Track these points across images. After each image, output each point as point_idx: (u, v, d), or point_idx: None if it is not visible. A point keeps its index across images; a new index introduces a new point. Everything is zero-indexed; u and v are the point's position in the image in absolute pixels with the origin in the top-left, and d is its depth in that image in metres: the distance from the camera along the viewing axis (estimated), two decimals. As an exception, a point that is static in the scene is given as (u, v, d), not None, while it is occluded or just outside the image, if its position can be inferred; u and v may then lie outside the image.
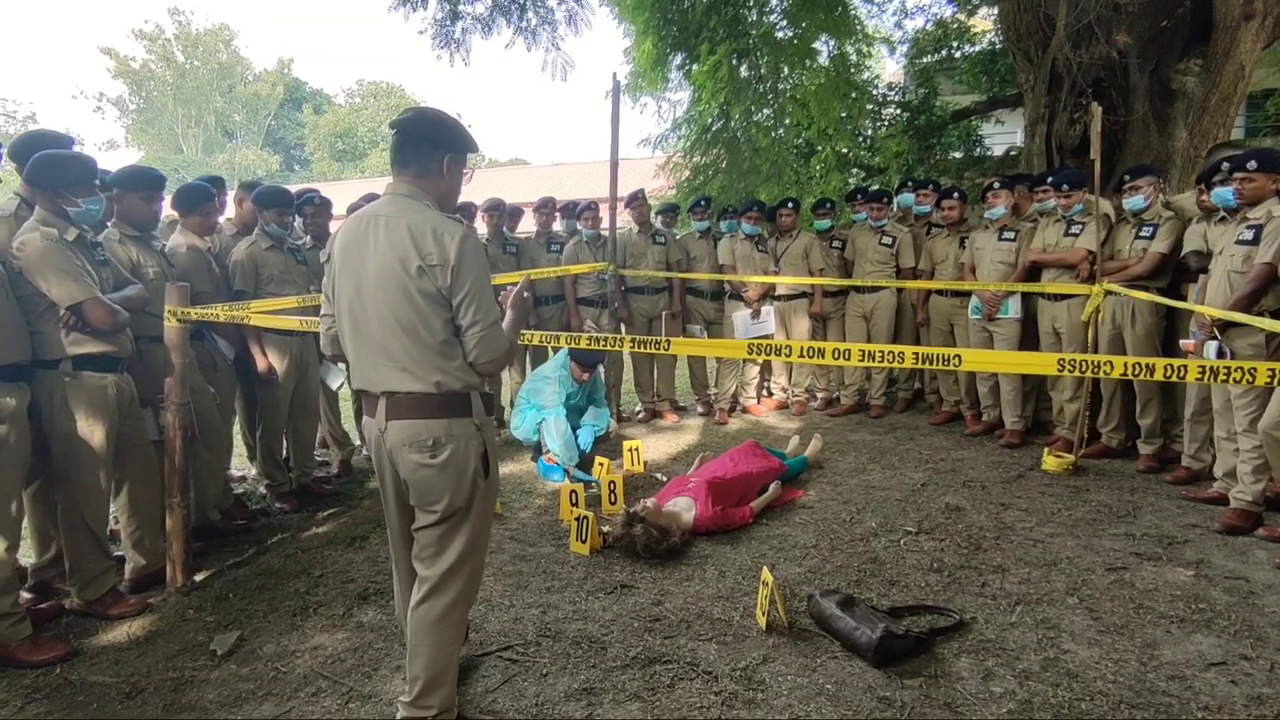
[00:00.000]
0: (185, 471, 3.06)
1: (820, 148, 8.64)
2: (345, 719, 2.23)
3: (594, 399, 5.00)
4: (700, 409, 5.89)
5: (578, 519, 3.35)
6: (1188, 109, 5.35)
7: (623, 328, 5.49)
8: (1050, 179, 4.65)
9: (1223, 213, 3.70)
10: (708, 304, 5.72)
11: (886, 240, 5.42)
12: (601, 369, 5.14)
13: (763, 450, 4.11)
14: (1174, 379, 2.35)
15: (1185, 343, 3.60)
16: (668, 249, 5.61)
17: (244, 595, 3.02)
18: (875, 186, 6.94)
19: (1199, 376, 2.40)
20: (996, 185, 4.88)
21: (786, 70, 7.51)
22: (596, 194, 8.04)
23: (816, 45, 7.41)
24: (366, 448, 2.95)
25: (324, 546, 3.50)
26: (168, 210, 3.81)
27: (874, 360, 2.70)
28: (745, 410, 5.89)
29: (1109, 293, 3.96)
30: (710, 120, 8.14)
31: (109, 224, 3.24)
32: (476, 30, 7.24)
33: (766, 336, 5.35)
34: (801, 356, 2.80)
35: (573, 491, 3.71)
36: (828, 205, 5.81)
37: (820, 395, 6.07)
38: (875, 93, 9.10)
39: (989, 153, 8.99)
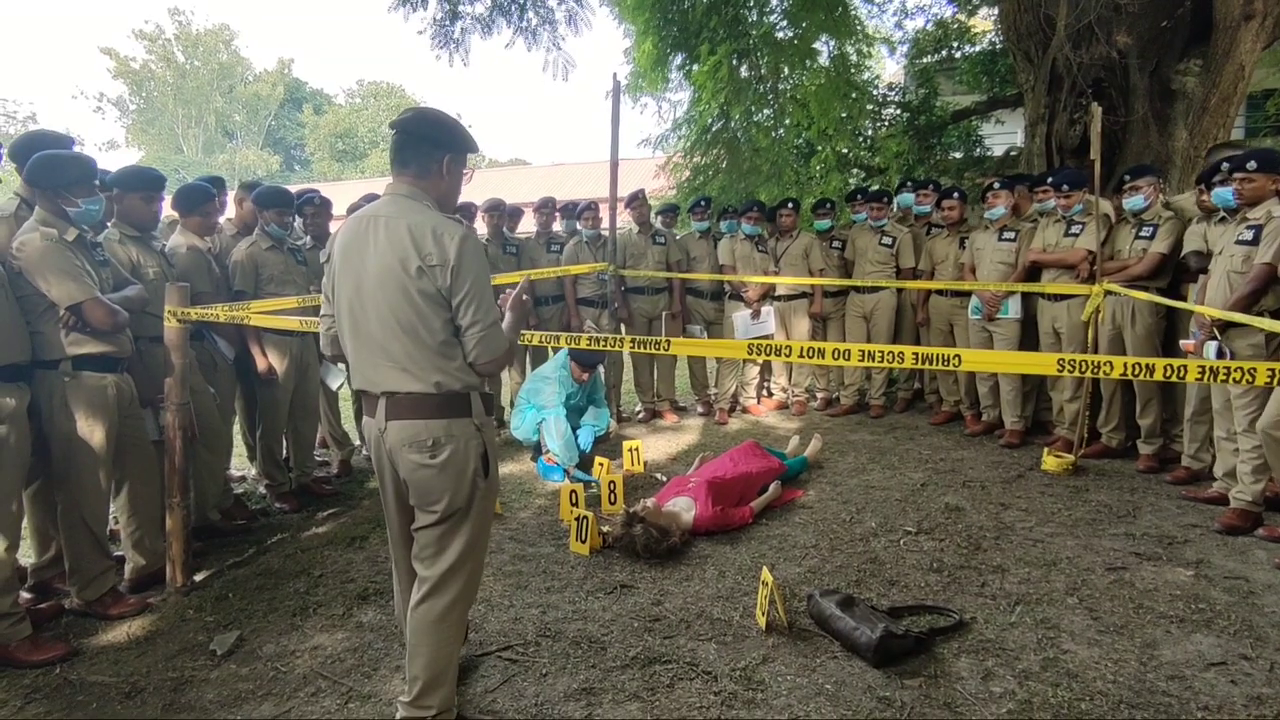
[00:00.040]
0: (185, 471, 3.06)
1: (820, 148, 8.65)
2: (345, 719, 2.23)
3: (594, 399, 5.00)
4: (700, 409, 5.90)
5: (577, 519, 3.35)
6: (1188, 109, 5.35)
7: (623, 328, 5.49)
8: (1050, 179, 4.64)
9: (1222, 213, 3.70)
10: (708, 304, 5.72)
11: (886, 240, 5.42)
12: (601, 369, 5.14)
13: (762, 450, 4.11)
14: (1174, 379, 2.35)
15: (1185, 343, 3.60)
16: (668, 249, 5.61)
17: (244, 595, 3.02)
18: (875, 186, 6.94)
19: (1199, 376, 2.40)
20: (996, 185, 4.88)
21: (786, 70, 7.52)
22: (596, 194, 8.05)
23: (816, 45, 7.42)
24: (366, 448, 2.95)
25: (324, 546, 3.50)
26: (168, 210, 3.81)
27: (874, 360, 2.70)
28: (745, 410, 5.89)
29: (1109, 293, 3.96)
30: (710, 120, 8.15)
31: (109, 224, 3.24)
32: (476, 30, 7.25)
33: (766, 337, 5.35)
34: (801, 357, 2.80)
35: (572, 491, 3.71)
36: (828, 205, 5.82)
37: (820, 395, 6.07)
38: (875, 93, 9.11)
39: (989, 153, 9.00)
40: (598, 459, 4.29)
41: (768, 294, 5.57)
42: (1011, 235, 4.77)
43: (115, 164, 5.02)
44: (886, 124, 9.06)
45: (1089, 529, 3.44)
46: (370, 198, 3.70)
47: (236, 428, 4.24)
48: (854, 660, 2.41)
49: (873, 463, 4.52)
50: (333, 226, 3.68)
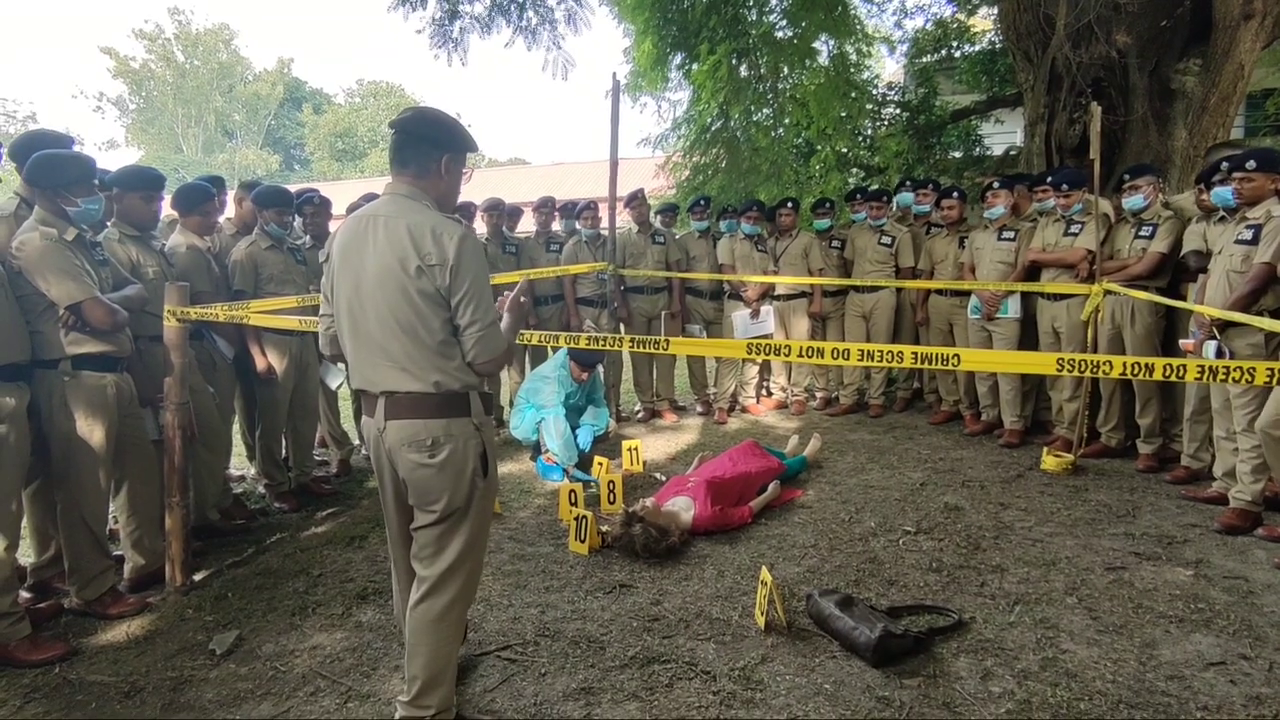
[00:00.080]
0: (184, 471, 3.06)
1: (820, 147, 8.65)
2: (344, 718, 2.23)
3: (593, 399, 5.00)
4: (699, 409, 5.90)
5: (577, 519, 3.35)
6: (1187, 109, 5.35)
7: (622, 327, 5.49)
8: (1050, 179, 4.64)
9: (1222, 212, 3.71)
10: (707, 304, 5.72)
11: (886, 240, 5.42)
12: (601, 369, 5.14)
13: (762, 450, 4.11)
14: (1173, 379, 2.35)
15: (1184, 342, 3.60)
16: (667, 249, 5.61)
17: (243, 595, 3.02)
18: (875, 186, 6.94)
19: (1198, 376, 2.40)
20: (996, 185, 4.88)
21: (786, 70, 7.52)
22: (596, 194, 8.03)
23: (816, 45, 7.42)
24: (365, 447, 2.95)
25: (323, 546, 3.50)
26: (167, 210, 3.81)
27: (873, 360, 2.71)
28: (744, 410, 5.89)
29: (1108, 292, 3.96)
30: (710, 120, 8.14)
31: (109, 224, 3.24)
32: (475, 30, 7.24)
33: (766, 336, 5.35)
34: (801, 356, 2.80)
35: (572, 491, 3.71)
36: (827, 205, 5.81)
37: (819, 395, 6.07)
38: (875, 92, 9.11)
39: (989, 152, 8.99)
40: (597, 458, 4.29)
41: (767, 293, 5.57)
42: (1011, 235, 4.77)
43: (115, 163, 5.03)
44: (886, 123, 9.05)
45: (1088, 529, 3.44)
46: (370, 197, 3.68)
47: (236, 427, 4.24)
48: (853, 660, 2.41)
49: (872, 462, 4.52)
50: (332, 226, 3.67)
